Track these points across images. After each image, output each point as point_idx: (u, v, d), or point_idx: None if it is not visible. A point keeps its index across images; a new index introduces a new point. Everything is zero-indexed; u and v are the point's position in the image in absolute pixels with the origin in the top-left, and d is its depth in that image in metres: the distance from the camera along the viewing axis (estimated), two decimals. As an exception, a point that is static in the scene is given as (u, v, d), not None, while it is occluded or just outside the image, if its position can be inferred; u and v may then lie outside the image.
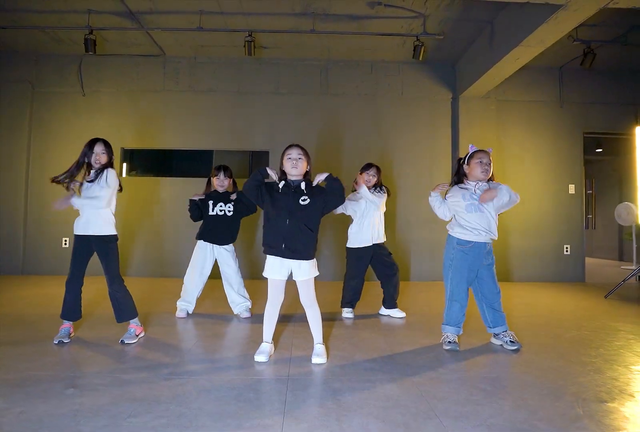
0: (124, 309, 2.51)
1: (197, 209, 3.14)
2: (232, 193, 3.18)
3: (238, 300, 3.16)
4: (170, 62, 5.46)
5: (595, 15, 3.41)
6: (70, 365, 2.07)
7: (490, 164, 2.48)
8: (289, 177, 2.21)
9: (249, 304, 3.19)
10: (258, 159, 5.58)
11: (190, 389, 1.79)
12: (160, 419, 1.51)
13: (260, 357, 2.15)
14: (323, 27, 4.56)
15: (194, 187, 4.83)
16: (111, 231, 2.51)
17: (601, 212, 8.79)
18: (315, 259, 2.22)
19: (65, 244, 5.27)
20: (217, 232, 3.10)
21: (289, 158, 2.18)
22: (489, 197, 2.40)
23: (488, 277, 2.48)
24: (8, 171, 5.26)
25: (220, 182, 3.12)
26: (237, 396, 1.73)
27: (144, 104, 5.43)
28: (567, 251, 5.43)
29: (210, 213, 3.11)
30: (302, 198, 2.15)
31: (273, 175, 2.22)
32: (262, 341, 2.26)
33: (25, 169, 5.29)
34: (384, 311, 3.31)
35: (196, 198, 3.15)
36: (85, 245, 2.48)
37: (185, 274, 3.18)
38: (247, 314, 3.15)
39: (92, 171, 2.52)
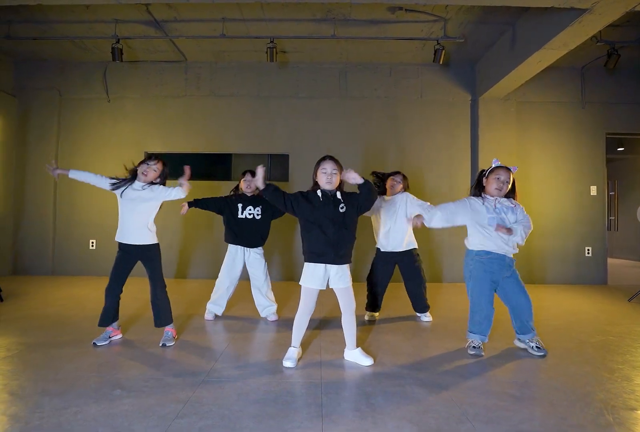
0: (164, 315, 2.62)
1: (200, 203, 3.18)
2: (259, 195, 3.22)
3: (265, 303, 3.24)
4: (191, 67, 5.58)
5: (621, 16, 3.39)
6: (113, 367, 2.18)
7: (507, 182, 2.50)
8: (323, 188, 2.27)
9: (275, 307, 3.28)
10: (277, 162, 5.67)
11: (229, 392, 1.88)
12: (205, 420, 1.60)
13: (288, 363, 2.21)
14: (343, 32, 4.61)
15: (213, 190, 4.95)
16: (155, 239, 2.65)
17: (624, 213, 8.65)
18: None
19: (92, 245, 5.44)
20: (247, 235, 3.17)
21: (324, 173, 2.24)
22: (503, 232, 2.43)
23: (516, 289, 2.50)
24: (38, 175, 5.45)
25: (247, 184, 3.19)
26: (274, 398, 1.81)
27: (167, 109, 5.56)
28: (588, 253, 5.39)
29: (240, 216, 3.17)
30: (341, 206, 2.23)
31: (260, 173, 2.19)
32: (290, 346, 2.32)
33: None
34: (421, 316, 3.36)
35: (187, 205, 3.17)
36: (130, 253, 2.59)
37: (217, 276, 3.27)
38: (274, 317, 3.23)
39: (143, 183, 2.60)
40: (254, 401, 1.78)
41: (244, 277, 3.29)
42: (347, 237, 2.25)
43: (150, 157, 2.62)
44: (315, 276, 2.22)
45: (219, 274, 3.23)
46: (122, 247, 2.59)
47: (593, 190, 5.45)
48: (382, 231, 3.23)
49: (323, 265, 2.21)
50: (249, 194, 3.22)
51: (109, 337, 2.61)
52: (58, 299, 3.89)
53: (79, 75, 5.58)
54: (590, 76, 5.50)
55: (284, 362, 2.23)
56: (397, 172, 3.31)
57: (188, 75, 5.59)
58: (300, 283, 2.27)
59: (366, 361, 2.28)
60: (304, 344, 2.52)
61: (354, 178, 2.16)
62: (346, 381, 2.03)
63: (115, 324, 2.66)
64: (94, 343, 2.53)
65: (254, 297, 3.28)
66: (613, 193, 8.48)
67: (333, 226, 2.20)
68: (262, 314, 3.26)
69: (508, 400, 1.82)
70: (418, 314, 3.34)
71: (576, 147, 5.48)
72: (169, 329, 2.64)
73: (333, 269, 2.23)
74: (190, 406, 1.73)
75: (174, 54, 5.35)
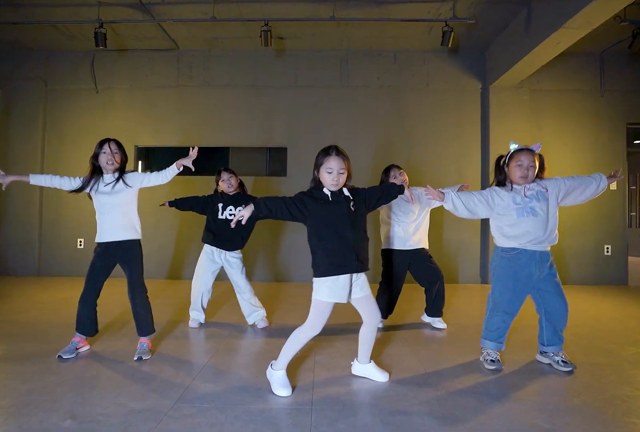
0: (144, 324, 2.36)
1: (183, 204, 2.95)
2: (242, 193, 2.97)
3: (249, 310, 2.95)
4: (184, 56, 5.26)
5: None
6: (71, 388, 1.88)
7: (532, 166, 2.17)
8: (326, 188, 1.91)
9: (263, 312, 2.98)
10: (276, 156, 5.35)
11: (200, 421, 1.57)
12: (164, 465, 1.30)
13: (284, 392, 1.82)
14: (343, 14, 4.27)
15: (209, 185, 4.65)
16: (139, 234, 2.40)
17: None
18: None
19: (81, 245, 5.17)
20: (225, 237, 2.88)
21: (329, 173, 1.86)
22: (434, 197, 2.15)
23: (553, 290, 2.18)
24: (23, 170, 5.09)
25: (227, 183, 2.89)
26: (254, 431, 1.50)
27: (158, 100, 5.25)
28: (607, 252, 5.03)
29: (220, 217, 2.89)
30: (352, 204, 1.90)
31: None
32: (280, 367, 1.92)
33: (40, 167, 5.20)
34: (425, 318, 3.06)
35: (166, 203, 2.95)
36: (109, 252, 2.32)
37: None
38: (263, 324, 2.93)
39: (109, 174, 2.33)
40: (229, 436, 1.48)
41: (225, 278, 3.01)
42: (364, 238, 1.92)
43: (101, 145, 2.31)
44: (340, 289, 1.83)
45: (194, 276, 2.94)
46: (101, 247, 2.33)
47: (613, 184, 5.07)
48: (403, 228, 2.85)
49: (347, 275, 1.85)
50: (230, 193, 2.92)
51: (76, 348, 2.32)
52: (38, 303, 3.61)
53: (65, 65, 5.29)
54: (609, 62, 5.12)
55: (278, 392, 1.83)
56: (395, 166, 2.93)
57: (180, 64, 5.28)
58: (315, 297, 1.86)
59: (381, 377, 1.98)
60: (296, 358, 2.20)
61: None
62: (341, 407, 1.72)
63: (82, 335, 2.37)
64: (59, 356, 2.24)
65: (239, 303, 2.99)
66: (634, 187, 8.07)
67: (350, 228, 1.85)
68: (249, 321, 2.96)
69: (536, 435, 1.50)
70: (430, 319, 3.01)
71: (594, 138, 5.11)
72: (145, 341, 2.35)
73: (355, 277, 1.89)
74: (150, 442, 1.43)
75: (165, 42, 5.04)
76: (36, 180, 2.30)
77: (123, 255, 2.34)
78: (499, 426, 1.57)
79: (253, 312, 2.94)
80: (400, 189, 2.05)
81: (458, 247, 5.05)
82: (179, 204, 2.93)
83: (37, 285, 4.51)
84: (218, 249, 2.91)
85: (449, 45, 4.20)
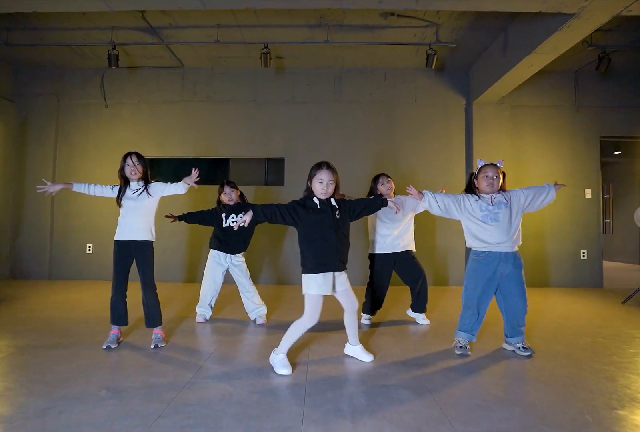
0: (153, 316, 2.66)
1: (191, 218, 3.23)
2: (242, 203, 3.28)
3: (251, 307, 3.27)
4: (188, 73, 5.64)
5: (610, 20, 3.42)
6: (101, 369, 2.20)
7: (496, 177, 2.53)
8: (317, 196, 2.24)
9: (263, 309, 3.29)
10: (274, 166, 5.70)
11: (213, 392, 1.90)
12: (187, 420, 1.62)
13: (285, 371, 2.13)
14: (337, 38, 4.66)
15: (209, 193, 4.98)
16: (153, 237, 2.70)
17: (622, 216, 8.66)
18: None
19: (89, 250, 5.48)
20: (230, 242, 3.22)
21: (320, 183, 2.20)
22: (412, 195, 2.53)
23: (514, 290, 2.49)
24: (36, 181, 5.48)
25: (228, 197, 3.22)
26: (258, 400, 1.83)
27: (164, 114, 5.62)
28: (584, 256, 5.40)
29: (224, 225, 3.22)
30: (337, 212, 2.24)
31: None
32: (281, 351, 2.24)
33: (51, 179, 5.52)
34: (410, 313, 3.38)
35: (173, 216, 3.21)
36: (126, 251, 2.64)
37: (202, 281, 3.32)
38: (261, 321, 3.25)
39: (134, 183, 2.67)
40: (237, 402, 1.80)
41: (231, 281, 3.34)
42: (346, 243, 2.28)
43: (124, 158, 2.65)
44: (324, 284, 2.17)
45: (203, 278, 3.28)
46: (119, 245, 2.64)
47: (588, 193, 5.47)
48: (390, 233, 3.15)
49: (331, 273, 2.20)
50: (231, 204, 3.25)
51: (117, 339, 2.63)
52: (53, 303, 3.91)
53: (77, 81, 5.65)
54: (583, 80, 5.54)
55: (280, 371, 2.14)
56: (383, 174, 3.27)
57: (185, 81, 5.66)
58: (304, 292, 2.19)
59: (366, 357, 2.33)
60: (293, 349, 2.52)
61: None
62: (330, 383, 2.04)
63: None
64: (108, 346, 2.53)
65: (243, 302, 3.31)
66: (608, 196, 8.48)
67: (334, 233, 2.19)
68: (251, 317, 3.29)
69: (490, 401, 1.83)
70: (415, 315, 3.33)
71: (570, 150, 5.51)
72: (158, 331, 2.67)
73: (336, 275, 2.24)
74: (173, 406, 1.74)
75: (171, 60, 5.41)
76: (78, 188, 2.63)
77: (137, 254, 2.64)
78: (460, 395, 1.90)
79: (255, 308, 3.27)
80: (383, 203, 2.41)
81: (447, 252, 5.39)
82: (188, 218, 3.23)
83: (49, 287, 4.81)
84: (224, 253, 3.24)
85: (433, 67, 4.60)
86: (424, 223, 5.37)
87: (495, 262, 2.50)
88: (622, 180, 8.61)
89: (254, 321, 3.28)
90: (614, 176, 8.73)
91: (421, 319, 3.30)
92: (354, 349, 2.41)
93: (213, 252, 3.27)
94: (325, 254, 2.18)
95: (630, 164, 8.26)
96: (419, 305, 3.29)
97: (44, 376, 2.06)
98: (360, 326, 3.15)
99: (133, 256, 2.65)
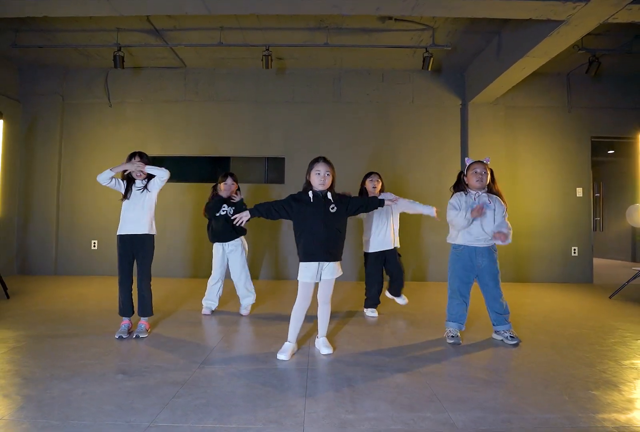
0: (145, 306, 2.81)
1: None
2: (233, 198, 3.43)
3: (244, 293, 3.41)
4: (190, 73, 5.77)
5: (599, 26, 3.56)
6: (115, 355, 2.36)
7: (484, 173, 2.70)
8: (315, 189, 2.41)
9: (253, 298, 3.43)
10: (274, 165, 5.85)
11: (222, 375, 2.05)
12: (200, 400, 1.77)
13: (282, 356, 2.32)
14: (336, 41, 4.80)
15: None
16: (154, 230, 2.87)
17: (614, 214, 8.85)
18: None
19: (94, 246, 5.62)
20: (222, 231, 3.38)
21: (318, 174, 2.36)
22: (477, 215, 2.63)
23: (489, 282, 2.69)
24: (42, 179, 5.64)
25: (228, 187, 3.39)
26: (263, 382, 1.98)
27: (167, 114, 5.75)
28: (574, 253, 5.57)
29: (217, 214, 3.39)
30: (331, 206, 2.38)
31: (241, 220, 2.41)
32: (285, 340, 2.44)
33: (57, 176, 5.66)
34: (388, 294, 3.59)
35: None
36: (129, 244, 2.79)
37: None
38: (245, 312, 3.41)
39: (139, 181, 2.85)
40: (245, 384, 1.95)
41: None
42: (337, 236, 2.40)
43: (129, 159, 2.83)
44: (310, 272, 2.34)
45: (212, 271, 3.44)
46: (122, 238, 2.78)
47: (579, 191, 5.63)
48: (378, 232, 3.38)
49: (317, 262, 2.36)
50: (225, 195, 3.41)
51: (128, 329, 2.78)
52: (62, 296, 4.06)
53: (81, 81, 5.77)
54: (575, 82, 5.69)
55: (278, 355, 2.33)
56: (374, 173, 3.49)
57: (187, 81, 5.78)
58: (298, 279, 2.39)
59: (326, 350, 2.43)
60: (298, 340, 2.68)
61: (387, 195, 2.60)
62: (331, 368, 2.20)
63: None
64: (120, 337, 2.68)
65: (235, 287, 3.46)
66: (598, 195, 8.67)
67: (323, 226, 2.34)
68: (242, 304, 3.44)
69: (477, 383, 1.99)
70: (392, 297, 3.55)
71: (563, 150, 5.67)
72: (143, 322, 2.81)
73: (325, 264, 2.38)
74: (186, 387, 1.90)
75: (174, 61, 5.54)
76: (109, 174, 2.76)
77: (138, 247, 2.79)
78: (449, 378, 2.06)
79: (246, 296, 3.42)
80: (380, 203, 2.58)
81: (438, 248, 5.54)
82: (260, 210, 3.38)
83: (56, 282, 4.95)
84: (220, 242, 3.40)
85: (429, 69, 4.75)
86: (415, 221, 5.53)
87: (472, 255, 2.69)
88: (612, 180, 8.79)
89: (247, 310, 3.42)
90: (604, 175, 8.91)
91: (399, 299, 3.56)
92: (318, 341, 2.52)
93: (215, 245, 3.44)
94: (312, 245, 2.34)
95: (621, 163, 8.44)
96: (394, 290, 3.53)
97: (63, 362, 2.21)
98: (366, 319, 3.33)
99: (134, 249, 2.79)
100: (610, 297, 4.35)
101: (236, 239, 3.43)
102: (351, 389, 1.91)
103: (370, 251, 3.41)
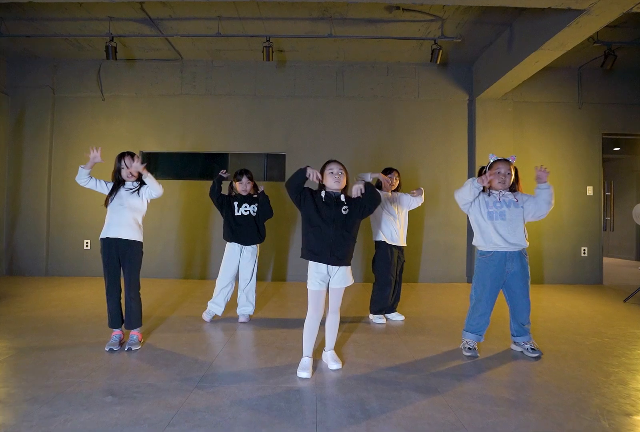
0: (134, 317, 2.59)
1: (219, 185, 3.19)
2: (254, 194, 3.27)
3: (243, 301, 3.22)
4: (187, 66, 5.53)
5: (618, 16, 3.36)
6: (105, 372, 2.15)
7: (509, 173, 2.50)
8: (328, 189, 2.26)
9: (252, 309, 3.24)
10: (273, 162, 5.64)
11: (222, 397, 1.86)
12: (197, 428, 1.58)
13: (303, 374, 2.13)
14: (340, 31, 4.58)
15: (208, 190, 4.91)
16: (141, 238, 2.63)
17: (620, 212, 8.68)
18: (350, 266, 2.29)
19: (87, 246, 5.40)
20: (245, 232, 3.17)
21: (332, 173, 2.24)
22: (484, 183, 2.38)
23: (518, 290, 2.48)
24: (32, 175, 5.40)
25: (243, 187, 3.19)
26: (268, 405, 1.79)
27: (162, 108, 5.51)
28: (584, 253, 5.40)
29: (236, 214, 3.18)
30: (344, 208, 2.22)
31: (313, 175, 2.19)
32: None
33: (47, 174, 5.42)
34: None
35: (225, 175, 3.19)
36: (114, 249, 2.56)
37: (217, 275, 3.26)
38: (244, 319, 3.22)
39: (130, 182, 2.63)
40: (248, 408, 1.76)
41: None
42: (346, 239, 2.23)
43: (119, 159, 2.62)
44: (318, 278, 2.19)
45: (219, 273, 3.22)
46: (106, 243, 2.54)
47: (589, 190, 5.45)
48: (393, 226, 3.24)
49: (325, 265, 2.19)
50: (244, 194, 3.22)
51: (120, 340, 2.57)
52: (52, 301, 3.85)
53: (72, 73, 5.52)
54: (586, 77, 5.49)
55: (298, 373, 2.14)
56: (393, 169, 3.37)
57: (184, 73, 5.54)
58: (307, 287, 2.23)
59: (334, 365, 2.26)
60: (301, 347, 2.49)
61: (356, 185, 2.26)
62: (341, 385, 2.01)
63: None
64: (111, 349, 2.47)
65: (238, 294, 3.26)
66: (609, 193, 8.49)
67: (333, 227, 2.19)
68: (238, 311, 3.25)
69: (503, 405, 1.81)
70: (389, 315, 3.36)
71: (573, 147, 5.48)
72: (135, 333, 2.61)
73: (334, 270, 2.21)
74: (182, 412, 1.70)
75: (170, 53, 5.30)
76: (85, 173, 2.61)
77: (125, 252, 2.55)
78: (472, 398, 1.88)
79: (244, 305, 3.22)
80: (366, 188, 2.29)
81: (446, 249, 5.37)
82: (217, 183, 3.18)
83: (47, 284, 4.74)
84: (238, 244, 3.18)
85: (438, 62, 4.53)
86: (424, 220, 5.35)
87: (503, 261, 2.47)
88: (622, 178, 8.61)
89: (244, 317, 3.24)
90: (615, 172, 8.72)
91: (395, 316, 3.34)
92: (325, 355, 2.35)
93: (228, 245, 3.23)
94: (316, 244, 2.19)
95: (631, 160, 8.26)
96: (392, 306, 3.34)
97: (47, 380, 2.01)
98: (372, 325, 3.14)
99: (119, 255, 2.55)
100: (624, 301, 4.18)
101: (257, 244, 3.25)
102: (365, 413, 1.72)
103: (383, 240, 3.22)
